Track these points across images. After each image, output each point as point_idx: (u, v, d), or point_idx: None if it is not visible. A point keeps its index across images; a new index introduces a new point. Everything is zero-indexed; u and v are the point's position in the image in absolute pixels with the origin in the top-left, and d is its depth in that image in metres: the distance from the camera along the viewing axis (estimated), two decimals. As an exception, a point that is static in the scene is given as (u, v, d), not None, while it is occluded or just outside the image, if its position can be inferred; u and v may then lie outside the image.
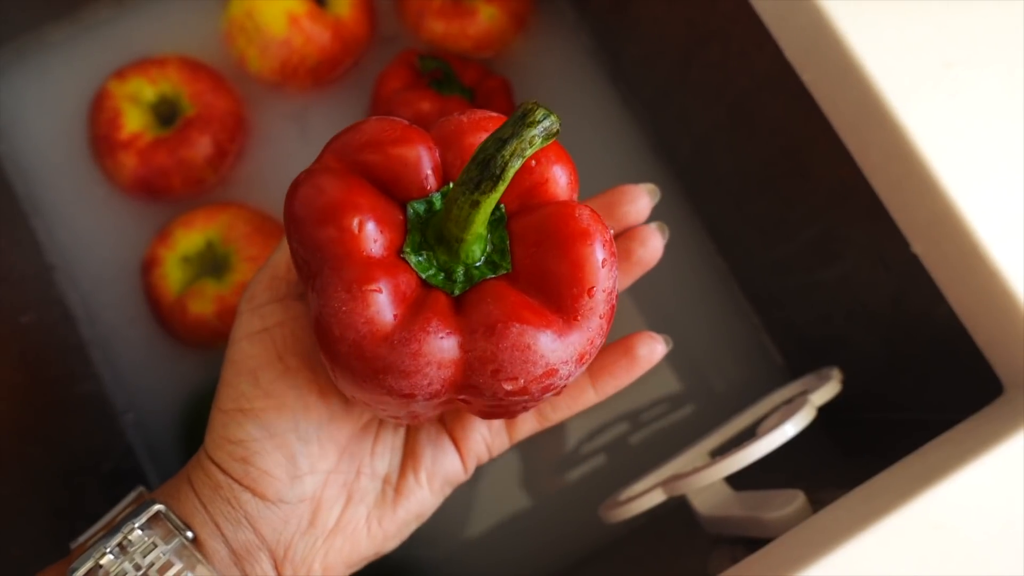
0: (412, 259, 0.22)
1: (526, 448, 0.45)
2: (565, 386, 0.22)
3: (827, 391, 0.32)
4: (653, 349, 0.27)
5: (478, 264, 0.22)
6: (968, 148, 0.27)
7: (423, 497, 0.27)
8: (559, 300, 0.21)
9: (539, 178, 0.23)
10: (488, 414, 0.24)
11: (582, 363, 0.22)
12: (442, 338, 0.20)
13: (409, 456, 0.27)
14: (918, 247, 0.29)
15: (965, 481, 0.25)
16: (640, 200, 0.29)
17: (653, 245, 0.29)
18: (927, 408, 0.35)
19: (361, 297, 0.20)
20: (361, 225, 0.21)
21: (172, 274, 0.43)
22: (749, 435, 0.35)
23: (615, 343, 0.27)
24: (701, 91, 0.40)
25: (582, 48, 0.49)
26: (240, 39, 0.45)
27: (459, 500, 0.44)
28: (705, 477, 0.29)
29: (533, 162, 0.23)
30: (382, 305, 0.20)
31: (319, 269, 0.21)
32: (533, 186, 0.23)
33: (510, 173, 0.19)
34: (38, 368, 0.41)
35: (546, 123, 0.20)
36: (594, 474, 0.44)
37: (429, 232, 0.22)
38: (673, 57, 0.41)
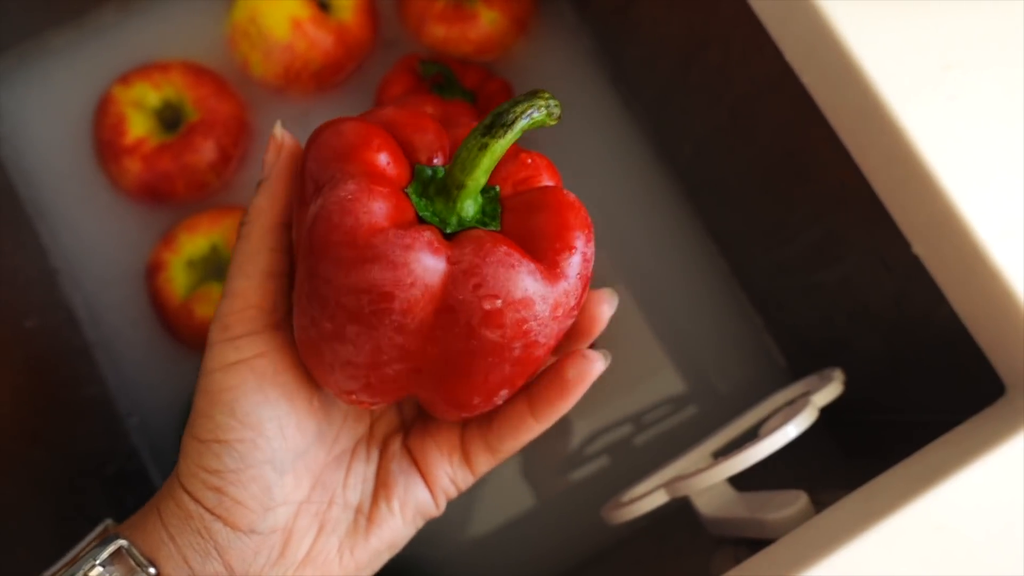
0: (413, 198, 0.23)
1: (528, 450, 0.45)
2: (532, 331, 0.23)
3: (829, 392, 0.32)
4: (582, 371, 0.25)
5: (469, 219, 0.23)
6: (968, 149, 0.27)
7: (396, 527, 0.27)
8: (543, 253, 0.23)
9: (533, 172, 0.25)
10: (450, 397, 0.24)
11: (555, 315, 0.23)
12: (432, 246, 0.22)
13: (382, 485, 0.27)
14: (919, 248, 0.29)
15: (967, 482, 0.25)
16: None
17: (599, 313, 0.26)
18: (929, 409, 0.35)
19: (368, 191, 0.22)
20: (379, 149, 0.23)
21: (177, 278, 0.43)
22: (751, 436, 0.35)
23: (549, 367, 0.26)
24: (702, 93, 0.40)
25: (583, 51, 0.49)
26: (243, 44, 0.45)
27: (461, 501, 0.44)
28: (708, 478, 0.29)
29: (529, 160, 0.25)
30: (383, 206, 0.22)
31: (330, 179, 0.23)
32: (527, 178, 0.25)
33: (519, 126, 0.22)
34: (42, 371, 0.41)
35: (551, 103, 0.22)
36: (596, 476, 0.44)
37: (431, 188, 0.24)
38: (674, 60, 0.41)
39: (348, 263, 0.22)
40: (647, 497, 0.31)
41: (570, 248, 0.23)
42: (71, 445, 0.41)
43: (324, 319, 0.23)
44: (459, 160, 0.22)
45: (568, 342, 0.27)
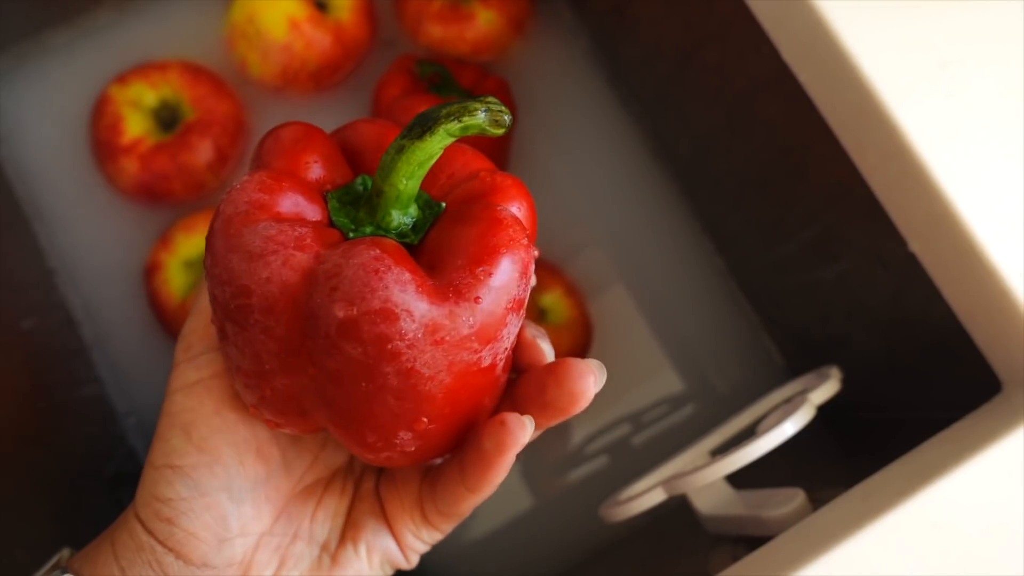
0: (331, 203, 0.22)
1: (527, 449, 0.45)
2: (401, 353, 0.19)
3: (826, 390, 0.32)
4: (500, 441, 0.22)
5: (390, 230, 0.21)
6: (964, 147, 0.27)
7: (361, 570, 0.25)
8: (446, 269, 0.20)
9: (491, 191, 0.22)
10: (345, 430, 0.22)
11: (438, 341, 0.19)
12: (303, 241, 0.20)
13: (351, 525, 0.26)
14: (915, 246, 0.29)
15: (964, 479, 0.25)
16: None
17: (579, 387, 0.22)
18: (926, 406, 0.35)
19: (261, 183, 0.21)
20: (307, 151, 0.22)
21: (174, 279, 0.43)
22: (749, 434, 0.35)
23: (472, 435, 0.23)
24: (699, 92, 0.40)
25: (580, 51, 0.49)
26: (241, 44, 0.45)
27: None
28: (705, 476, 0.29)
29: (490, 179, 0.22)
30: (272, 200, 0.20)
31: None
32: (481, 195, 0.22)
33: (442, 128, 0.19)
34: (40, 372, 0.41)
35: (494, 109, 0.19)
36: (594, 474, 0.44)
37: (361, 198, 0.22)
38: (671, 59, 0.41)
39: (218, 252, 0.20)
40: (645, 495, 0.31)
41: (476, 270, 0.20)
42: (69, 446, 0.41)
43: (216, 315, 0.22)
44: (380, 165, 0.21)
45: (542, 419, 0.23)
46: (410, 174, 0.20)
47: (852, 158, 0.30)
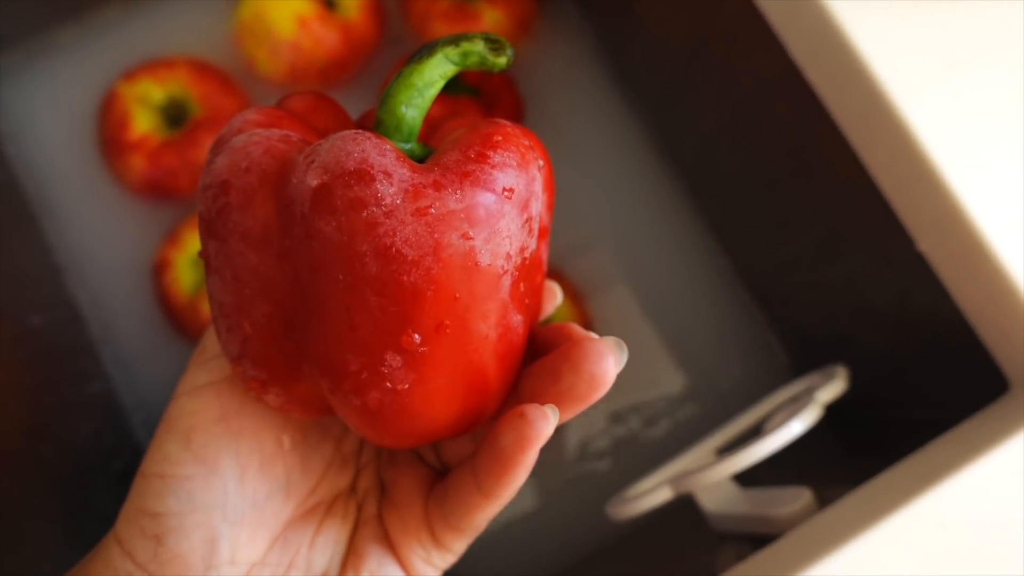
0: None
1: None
2: (378, 223, 0.17)
3: (833, 389, 0.32)
4: (521, 435, 0.20)
5: None
6: (974, 147, 0.27)
7: None
8: (439, 157, 0.18)
9: (503, 139, 0.19)
10: (324, 360, 0.19)
11: (415, 208, 0.17)
12: (289, 138, 0.19)
13: (353, 554, 0.23)
14: (924, 245, 0.29)
15: (971, 479, 0.25)
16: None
17: (599, 369, 0.20)
18: (932, 406, 0.35)
19: (259, 111, 0.20)
20: (318, 106, 0.21)
21: (184, 276, 0.43)
22: (755, 433, 0.35)
23: (488, 433, 0.21)
24: (706, 91, 0.40)
25: (587, 50, 0.49)
26: (249, 41, 0.45)
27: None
28: (712, 474, 0.30)
29: (500, 136, 0.19)
30: (269, 122, 0.19)
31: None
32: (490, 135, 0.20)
33: (438, 52, 0.19)
34: (48, 368, 0.41)
35: (495, 39, 0.19)
36: (600, 472, 0.44)
37: None
38: (678, 58, 0.41)
39: (207, 163, 0.19)
40: (652, 493, 0.31)
41: (475, 149, 0.18)
42: (77, 442, 0.41)
43: (201, 240, 0.20)
44: (381, 97, 0.20)
45: (564, 408, 0.20)
46: (408, 100, 0.19)
47: (860, 157, 0.30)
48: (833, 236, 0.36)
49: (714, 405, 0.45)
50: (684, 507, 0.36)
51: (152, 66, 0.45)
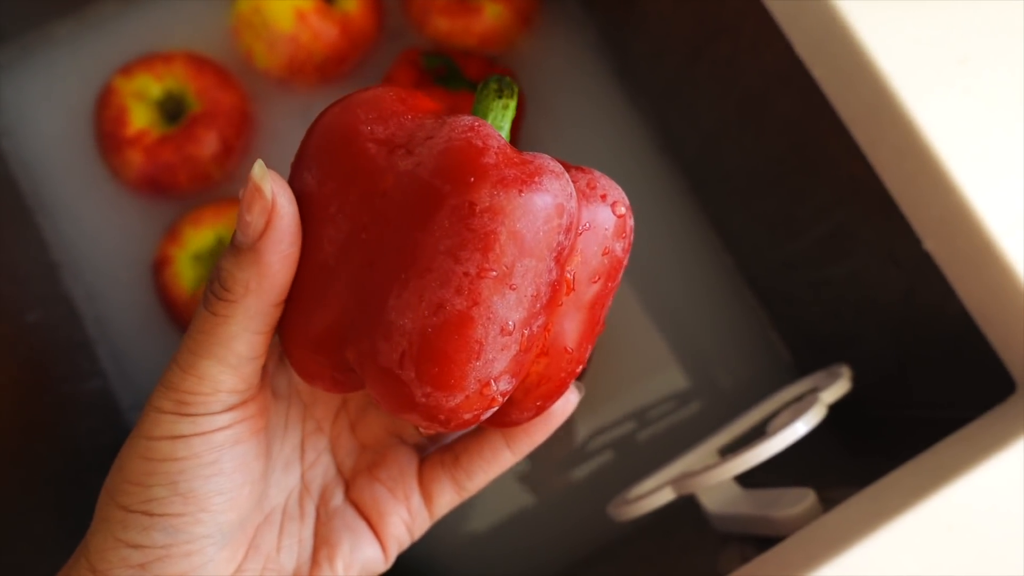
0: None
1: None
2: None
3: (837, 389, 0.31)
4: (567, 401, 0.24)
5: None
6: (982, 144, 0.27)
7: None
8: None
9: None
10: (373, 315, 0.19)
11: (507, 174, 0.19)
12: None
13: (323, 544, 0.24)
14: (930, 244, 0.29)
15: (978, 481, 0.24)
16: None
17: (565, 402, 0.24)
18: (937, 406, 0.35)
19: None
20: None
21: (184, 273, 0.43)
22: (758, 433, 0.35)
23: None
24: (709, 87, 0.40)
25: (588, 45, 0.49)
26: (247, 35, 0.45)
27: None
28: (715, 475, 0.29)
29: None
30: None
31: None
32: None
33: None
34: (44, 366, 0.41)
35: (503, 88, 0.22)
36: (601, 471, 0.44)
37: None
38: (681, 53, 0.41)
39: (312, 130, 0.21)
40: (654, 494, 0.31)
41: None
42: (73, 440, 0.40)
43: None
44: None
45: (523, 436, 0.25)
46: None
47: (866, 154, 0.29)
48: (837, 234, 0.36)
49: (715, 404, 0.45)
50: (685, 506, 0.36)
51: (149, 60, 0.45)
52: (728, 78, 0.38)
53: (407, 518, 0.25)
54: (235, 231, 0.20)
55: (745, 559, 0.30)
